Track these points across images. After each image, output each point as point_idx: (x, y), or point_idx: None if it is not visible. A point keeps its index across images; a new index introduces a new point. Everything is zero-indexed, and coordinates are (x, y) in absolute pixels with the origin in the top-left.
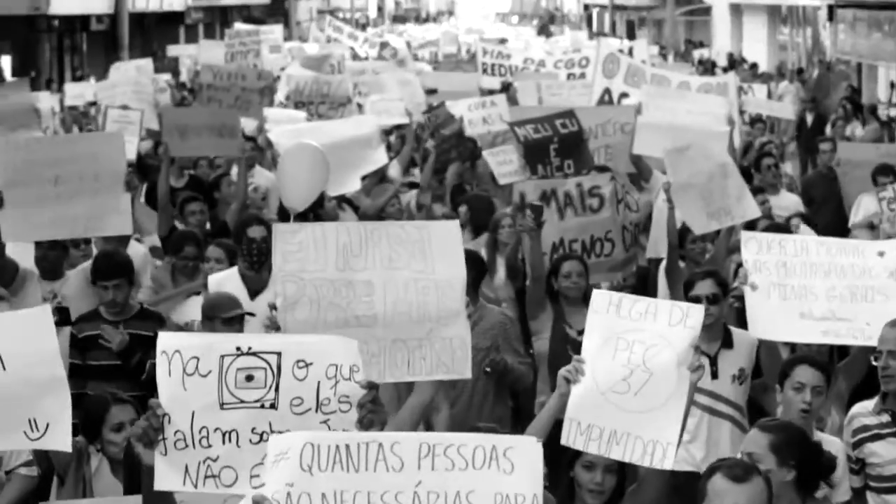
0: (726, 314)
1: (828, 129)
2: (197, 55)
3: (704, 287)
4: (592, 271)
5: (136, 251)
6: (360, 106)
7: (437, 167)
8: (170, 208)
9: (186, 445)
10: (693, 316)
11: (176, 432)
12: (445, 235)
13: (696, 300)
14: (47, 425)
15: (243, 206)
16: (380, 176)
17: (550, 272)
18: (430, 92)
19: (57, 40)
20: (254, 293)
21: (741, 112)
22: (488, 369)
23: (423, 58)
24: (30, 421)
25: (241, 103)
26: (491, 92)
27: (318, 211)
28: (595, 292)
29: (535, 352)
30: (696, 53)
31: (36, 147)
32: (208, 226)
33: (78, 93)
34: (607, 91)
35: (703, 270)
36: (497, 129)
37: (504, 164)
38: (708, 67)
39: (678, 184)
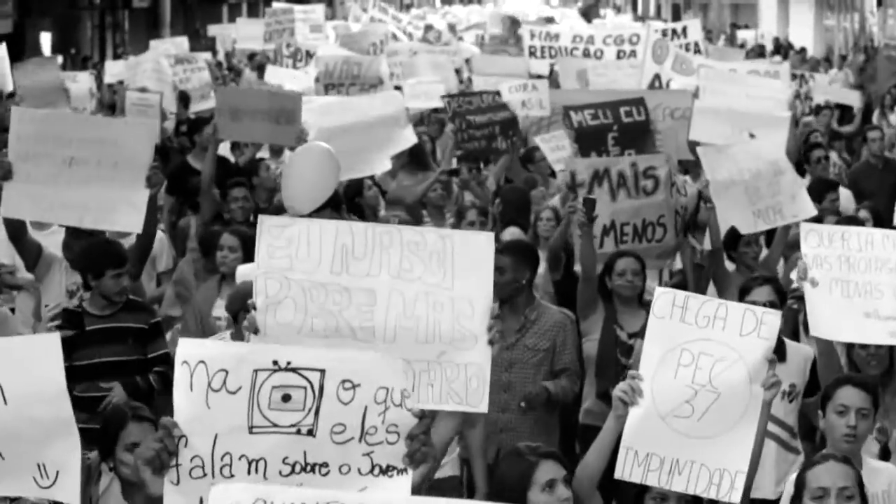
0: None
1: (874, 117)
2: (235, 33)
3: (762, 294)
4: (642, 256)
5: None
6: (397, 88)
7: (475, 155)
8: (213, 193)
9: (204, 474)
10: (768, 323)
11: (193, 458)
12: (474, 249)
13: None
14: (57, 473)
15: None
16: (405, 158)
17: (604, 269)
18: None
19: (99, 18)
20: None
21: (806, 98)
22: (524, 404)
23: (468, 40)
24: (38, 466)
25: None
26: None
27: (357, 200)
28: (658, 291)
29: (584, 354)
30: (741, 35)
31: (54, 122)
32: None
33: (116, 72)
34: (657, 77)
35: (760, 276)
36: (535, 114)
37: (558, 150)
38: (757, 52)
39: (718, 181)
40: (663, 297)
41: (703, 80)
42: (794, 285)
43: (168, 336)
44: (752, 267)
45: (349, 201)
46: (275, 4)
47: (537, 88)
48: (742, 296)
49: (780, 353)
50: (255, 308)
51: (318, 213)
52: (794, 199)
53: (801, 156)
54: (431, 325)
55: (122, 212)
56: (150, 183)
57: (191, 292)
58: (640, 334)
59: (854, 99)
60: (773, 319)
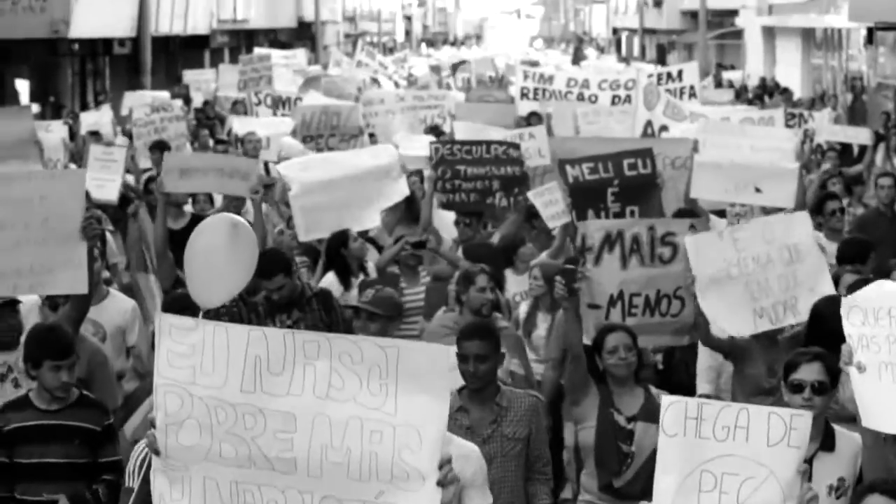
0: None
1: (879, 159)
2: (215, 80)
3: (811, 372)
4: (653, 332)
5: (119, 307)
6: (371, 136)
7: (460, 209)
8: (169, 257)
9: None
10: (799, 428)
11: None
12: (425, 362)
13: (798, 387)
14: None
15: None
16: (401, 211)
17: (593, 347)
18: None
19: (79, 64)
20: None
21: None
22: None
23: (454, 86)
24: None
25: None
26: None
27: (341, 251)
28: (665, 400)
29: (581, 444)
30: (726, 76)
31: None
32: None
33: (93, 121)
34: (649, 123)
35: (810, 351)
36: (535, 163)
37: (551, 204)
38: (740, 92)
39: (707, 277)
40: (673, 409)
41: (702, 132)
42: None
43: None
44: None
45: (334, 253)
46: (257, 50)
47: (535, 137)
48: (787, 372)
49: (828, 441)
50: (153, 426)
51: (266, 278)
52: (813, 291)
53: (813, 205)
54: (366, 458)
55: (62, 272)
56: (85, 235)
57: (146, 367)
58: (640, 417)
59: (864, 137)
60: (803, 423)
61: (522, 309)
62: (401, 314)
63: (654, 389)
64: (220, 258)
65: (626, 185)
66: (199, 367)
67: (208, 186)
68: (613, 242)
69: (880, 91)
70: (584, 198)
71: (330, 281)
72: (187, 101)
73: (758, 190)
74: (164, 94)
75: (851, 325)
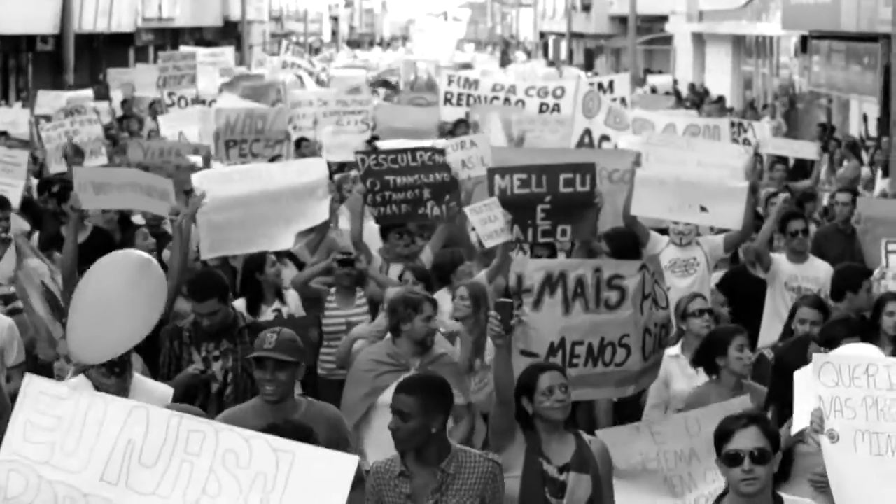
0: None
1: (823, 173)
2: (132, 80)
3: (748, 439)
4: (595, 384)
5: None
6: (302, 141)
7: (392, 221)
8: (77, 279)
9: None
10: None
11: None
12: (325, 472)
13: (735, 459)
14: None
15: (196, 278)
16: (325, 230)
17: (521, 389)
18: (370, 141)
19: (1, 61)
20: None
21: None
22: None
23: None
24: None
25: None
26: (448, 131)
27: (256, 276)
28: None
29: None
30: (651, 81)
31: None
32: None
33: (10, 119)
34: (587, 132)
35: (742, 415)
36: (478, 173)
37: (488, 221)
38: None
39: (621, 471)
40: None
41: (645, 144)
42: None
43: None
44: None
45: (247, 277)
46: (182, 48)
47: (476, 145)
48: (720, 443)
49: None
50: None
51: (198, 301)
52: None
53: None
54: None
55: None
56: None
57: None
58: (573, 466)
59: (811, 151)
60: None
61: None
62: (305, 355)
63: (585, 436)
64: (117, 306)
65: (560, 202)
66: (59, 444)
67: (125, 203)
68: (555, 284)
69: (814, 100)
70: (511, 212)
71: (238, 307)
72: (107, 99)
73: (703, 209)
74: (85, 93)
75: (823, 385)
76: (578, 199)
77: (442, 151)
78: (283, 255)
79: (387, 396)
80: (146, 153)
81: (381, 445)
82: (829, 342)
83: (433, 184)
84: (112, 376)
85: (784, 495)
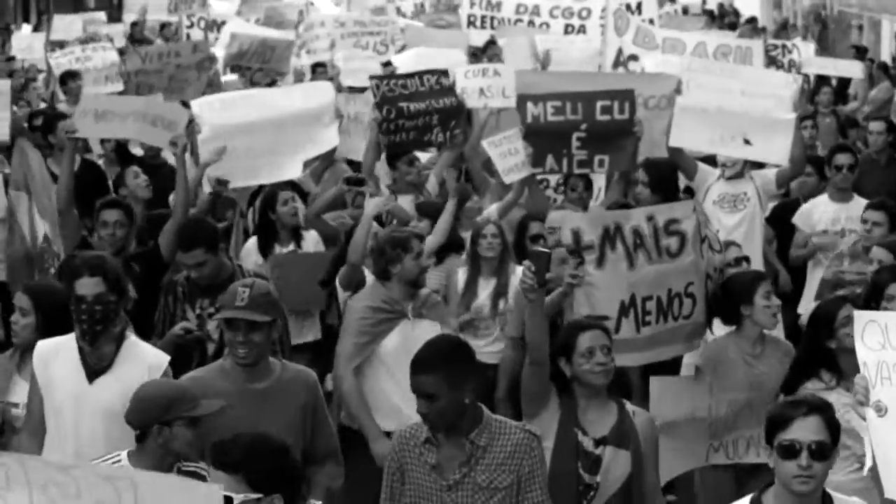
0: None
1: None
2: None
3: (808, 430)
4: (667, 342)
5: None
6: (318, 66)
7: (401, 149)
8: (74, 214)
9: None
10: None
11: None
12: None
13: (791, 450)
14: None
15: (182, 225)
16: (331, 158)
17: (560, 349)
18: (385, 64)
19: None
20: (92, 374)
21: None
22: None
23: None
24: None
25: (176, 84)
26: (477, 51)
27: (268, 214)
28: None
29: None
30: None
31: None
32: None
33: (25, 45)
34: (620, 51)
35: (804, 401)
36: (497, 104)
37: (508, 155)
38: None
39: (664, 421)
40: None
41: (686, 70)
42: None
43: None
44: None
45: (260, 215)
46: None
47: (500, 74)
48: (774, 430)
49: None
50: None
51: (184, 250)
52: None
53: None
54: None
55: None
56: None
57: None
58: (611, 440)
59: (857, 70)
60: None
61: (461, 276)
62: (280, 309)
63: (629, 405)
64: None
65: (596, 130)
66: None
67: (125, 132)
68: (614, 238)
69: (845, 20)
70: (545, 141)
71: (249, 248)
72: (120, 21)
73: (747, 142)
74: (98, 16)
75: (867, 348)
76: (616, 128)
77: (446, 73)
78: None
79: (387, 345)
80: (144, 59)
81: (378, 396)
82: (875, 291)
83: (441, 109)
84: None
85: (834, 494)
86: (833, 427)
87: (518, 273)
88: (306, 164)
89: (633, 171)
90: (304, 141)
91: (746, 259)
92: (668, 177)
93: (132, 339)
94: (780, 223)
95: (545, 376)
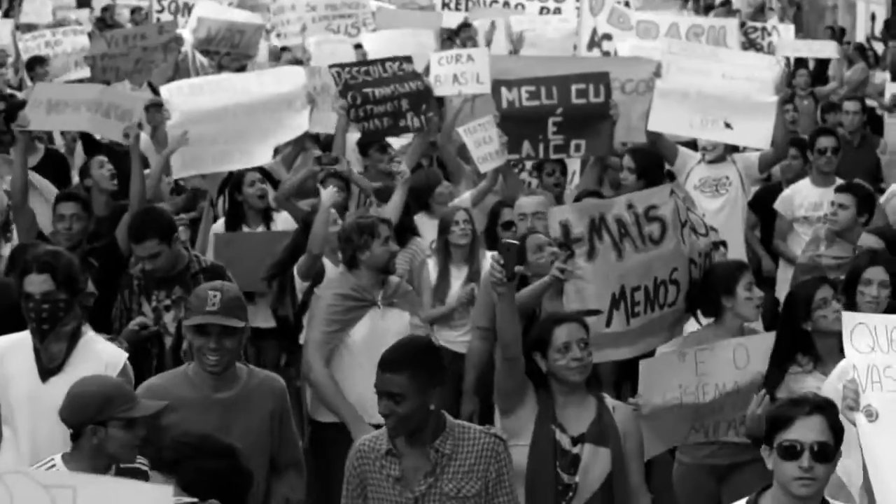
0: None
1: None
2: None
3: (810, 430)
4: (654, 332)
5: None
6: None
7: (376, 137)
8: (29, 209)
9: None
10: None
11: None
12: None
13: (792, 452)
14: None
15: (133, 216)
16: (302, 144)
17: (534, 343)
18: (357, 47)
19: None
20: (45, 373)
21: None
22: None
23: None
24: None
25: (142, 66)
26: (451, 34)
27: (235, 196)
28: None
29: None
30: None
31: None
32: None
33: None
34: (594, 31)
35: (806, 400)
36: (471, 91)
37: (483, 143)
38: None
39: (652, 404)
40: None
41: (665, 52)
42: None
43: None
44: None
45: (228, 197)
46: None
47: (473, 59)
48: (775, 429)
49: None
50: None
51: (136, 242)
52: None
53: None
54: None
55: None
56: None
57: None
58: (589, 437)
59: (831, 50)
60: None
61: (431, 267)
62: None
63: (609, 400)
64: None
65: (572, 114)
66: None
67: (78, 124)
68: (599, 229)
69: (819, 2)
70: (520, 127)
71: (216, 230)
72: (88, 7)
73: (728, 125)
74: (70, 1)
75: (856, 351)
76: (592, 111)
77: (409, 59)
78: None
79: (356, 334)
80: (109, 43)
81: (346, 386)
82: (853, 276)
83: (409, 94)
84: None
85: (832, 500)
86: (836, 428)
87: (488, 259)
88: (277, 151)
89: (609, 154)
90: (275, 126)
91: (723, 243)
92: (655, 163)
93: (88, 335)
94: (763, 208)
95: (519, 372)
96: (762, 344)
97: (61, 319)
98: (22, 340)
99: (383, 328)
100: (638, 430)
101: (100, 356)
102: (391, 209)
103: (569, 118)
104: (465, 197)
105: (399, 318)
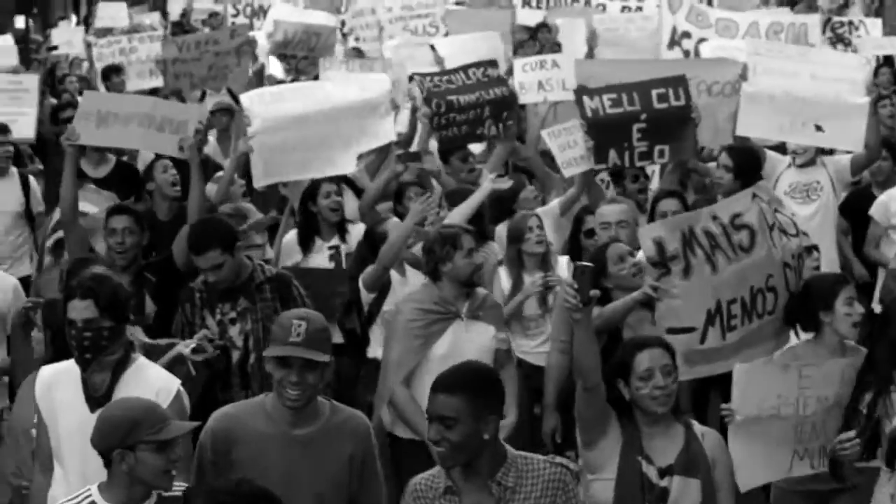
0: None
1: None
2: None
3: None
4: (754, 343)
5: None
6: (357, 51)
7: (453, 144)
8: (80, 227)
9: None
10: None
11: None
12: None
13: None
14: None
15: (193, 227)
16: (387, 152)
17: (617, 369)
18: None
19: None
20: (93, 402)
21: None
22: None
23: None
24: None
25: (216, 72)
26: (530, 31)
27: (309, 206)
28: None
29: (594, 501)
30: None
31: None
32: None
33: (65, 39)
34: (674, 29)
35: None
36: (557, 98)
37: (567, 147)
38: None
39: (747, 414)
40: None
41: (752, 54)
42: None
43: None
44: None
45: (301, 208)
46: None
47: (559, 65)
48: None
49: None
50: None
51: (197, 253)
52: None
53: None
54: None
55: None
56: None
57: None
58: (678, 469)
59: None
60: None
61: (503, 275)
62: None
63: (697, 427)
64: None
65: (655, 119)
66: None
67: (129, 141)
68: (691, 242)
69: None
70: (606, 135)
71: (289, 240)
72: (164, 14)
73: (819, 128)
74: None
75: None
76: (674, 116)
77: (494, 63)
78: (340, 182)
79: (439, 348)
80: (181, 48)
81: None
82: None
83: (493, 100)
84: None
85: None
86: None
87: (562, 265)
88: (361, 159)
89: (692, 158)
90: (359, 134)
91: (816, 248)
92: (752, 161)
93: (139, 362)
94: (853, 212)
95: (600, 401)
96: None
97: (105, 348)
98: (71, 368)
99: (468, 342)
100: (728, 457)
101: (150, 383)
102: (458, 214)
103: (652, 124)
104: (554, 205)
105: (484, 333)
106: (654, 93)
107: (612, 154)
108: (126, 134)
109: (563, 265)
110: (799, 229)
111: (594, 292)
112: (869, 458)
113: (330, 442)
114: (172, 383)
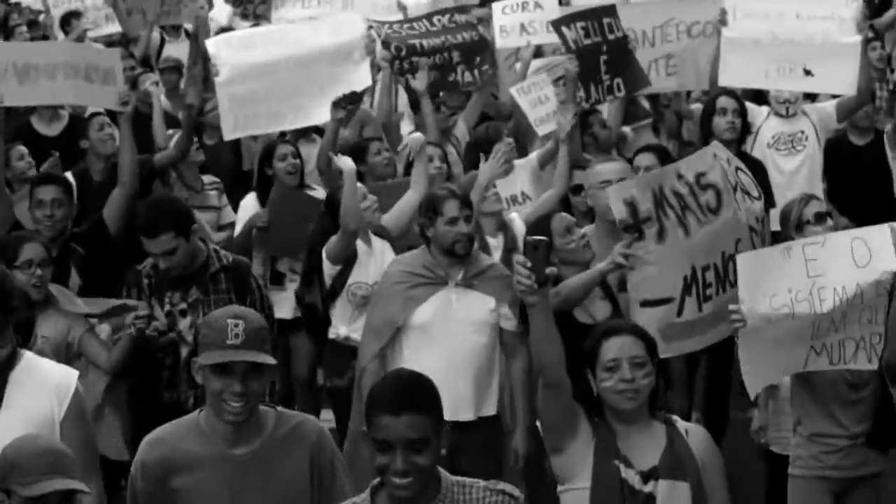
0: None
1: None
2: None
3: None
4: (721, 317)
5: None
6: None
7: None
8: (7, 195)
9: None
10: None
11: None
12: None
13: None
14: None
15: (147, 206)
16: (359, 100)
17: (585, 358)
18: None
19: None
20: None
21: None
22: None
23: None
24: None
25: (169, 6)
26: None
27: (265, 169)
28: None
29: None
30: None
31: None
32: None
33: None
34: None
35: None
36: (540, 41)
37: (538, 104)
38: None
39: (756, 314)
40: None
41: None
42: None
43: None
44: None
45: (259, 168)
46: None
47: (542, 6)
48: None
49: None
50: None
51: (149, 236)
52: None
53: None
54: None
55: None
56: None
57: None
58: (662, 472)
59: None
60: None
61: (518, 224)
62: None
63: (680, 423)
64: None
65: (612, 50)
66: None
67: (59, 96)
68: (662, 203)
69: None
70: (586, 69)
71: (248, 204)
72: None
73: (808, 72)
74: None
75: None
76: (621, 47)
77: (464, 9)
78: (309, 132)
79: (419, 316)
80: None
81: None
82: None
83: (461, 45)
84: None
85: None
86: None
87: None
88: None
89: (645, 89)
90: (333, 81)
91: (830, 214)
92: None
93: (26, 358)
94: (829, 163)
95: (565, 399)
96: (881, 236)
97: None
98: None
99: (454, 311)
100: (718, 456)
101: (46, 379)
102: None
103: (612, 55)
104: (532, 157)
105: (478, 303)
106: (604, 21)
107: (593, 89)
108: (53, 89)
109: (517, 224)
110: (760, 191)
111: (551, 269)
112: None
113: (277, 458)
114: (71, 377)
